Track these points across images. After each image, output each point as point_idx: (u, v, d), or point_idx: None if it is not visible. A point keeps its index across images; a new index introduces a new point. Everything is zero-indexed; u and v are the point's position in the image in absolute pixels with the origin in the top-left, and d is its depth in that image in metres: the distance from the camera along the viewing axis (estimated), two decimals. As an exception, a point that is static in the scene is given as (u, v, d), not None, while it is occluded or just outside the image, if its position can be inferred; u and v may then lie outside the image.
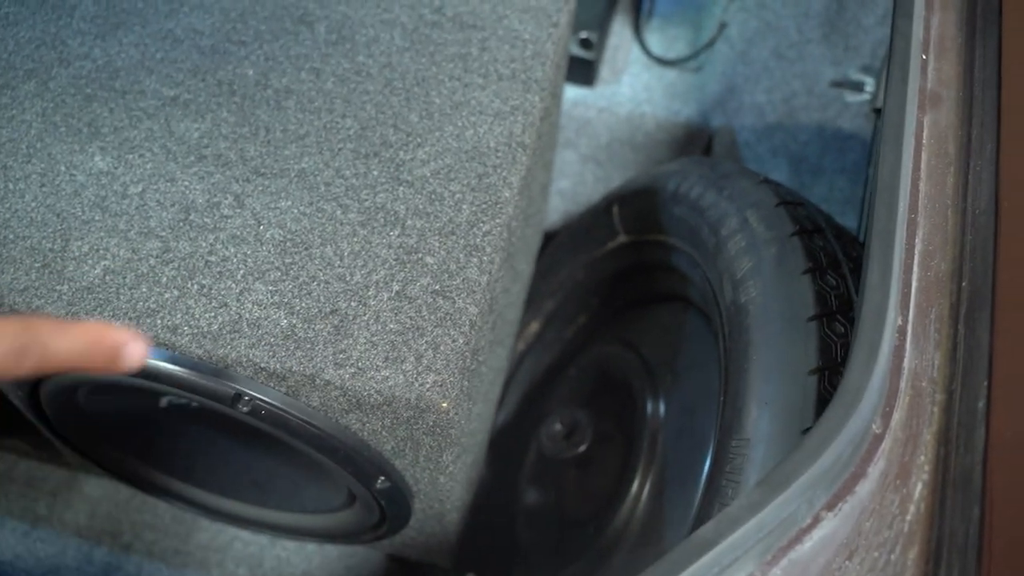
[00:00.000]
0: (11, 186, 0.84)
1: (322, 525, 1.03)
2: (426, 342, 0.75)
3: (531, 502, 1.15)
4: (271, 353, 0.74)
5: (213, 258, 0.79)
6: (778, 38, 1.25)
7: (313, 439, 0.79)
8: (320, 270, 0.79)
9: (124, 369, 0.45)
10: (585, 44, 1.36)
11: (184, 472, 1.05)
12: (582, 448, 1.06)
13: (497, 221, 0.82)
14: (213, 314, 0.76)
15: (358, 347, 0.74)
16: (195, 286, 0.78)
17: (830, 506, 0.60)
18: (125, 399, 0.89)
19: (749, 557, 0.57)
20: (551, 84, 0.95)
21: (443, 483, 0.85)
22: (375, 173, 0.84)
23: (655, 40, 1.48)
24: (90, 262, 0.79)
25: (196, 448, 1.02)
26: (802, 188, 1.22)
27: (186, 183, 0.84)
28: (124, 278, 0.78)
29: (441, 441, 0.78)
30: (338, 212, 0.82)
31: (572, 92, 1.42)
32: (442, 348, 0.74)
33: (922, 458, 0.63)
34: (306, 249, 0.80)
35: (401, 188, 0.83)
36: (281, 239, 0.80)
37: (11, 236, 0.81)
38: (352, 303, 0.77)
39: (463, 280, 0.78)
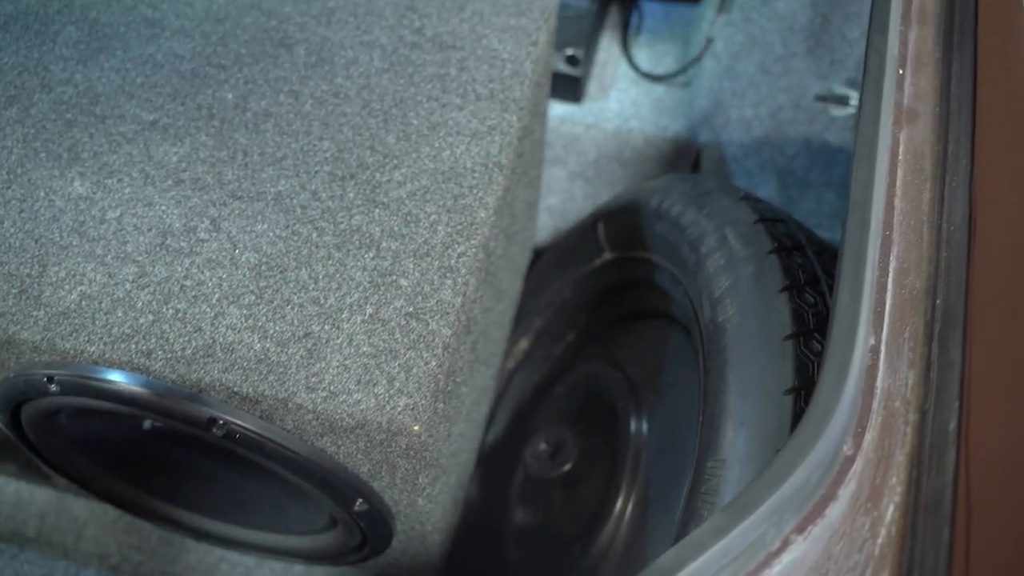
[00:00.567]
0: (-10, 212, 0.84)
1: (306, 546, 1.02)
2: (399, 365, 0.75)
3: (519, 521, 1.14)
4: (244, 377, 0.74)
5: (188, 282, 0.79)
6: (764, 53, 1.25)
7: (288, 462, 0.78)
8: (294, 293, 0.78)
9: None
10: (571, 61, 1.36)
11: (170, 494, 1.05)
12: (567, 467, 1.05)
13: (472, 242, 0.81)
14: (187, 339, 0.76)
15: (331, 370, 0.74)
16: (170, 311, 0.78)
17: (799, 529, 0.60)
18: (107, 422, 0.89)
19: (714, 583, 0.56)
20: (530, 103, 0.95)
21: (422, 505, 0.85)
22: (351, 195, 0.85)
23: (643, 56, 1.48)
24: (67, 287, 0.79)
25: (181, 470, 1.02)
26: (790, 202, 1.21)
27: (163, 207, 0.84)
28: (100, 303, 0.78)
29: (416, 463, 0.77)
30: (314, 235, 0.82)
31: (560, 109, 1.42)
32: (414, 371, 0.74)
33: (894, 480, 0.62)
34: (281, 272, 0.80)
35: (377, 210, 0.83)
36: (256, 262, 0.80)
37: (-12, 262, 0.81)
38: (326, 326, 0.77)
39: (437, 302, 0.78)
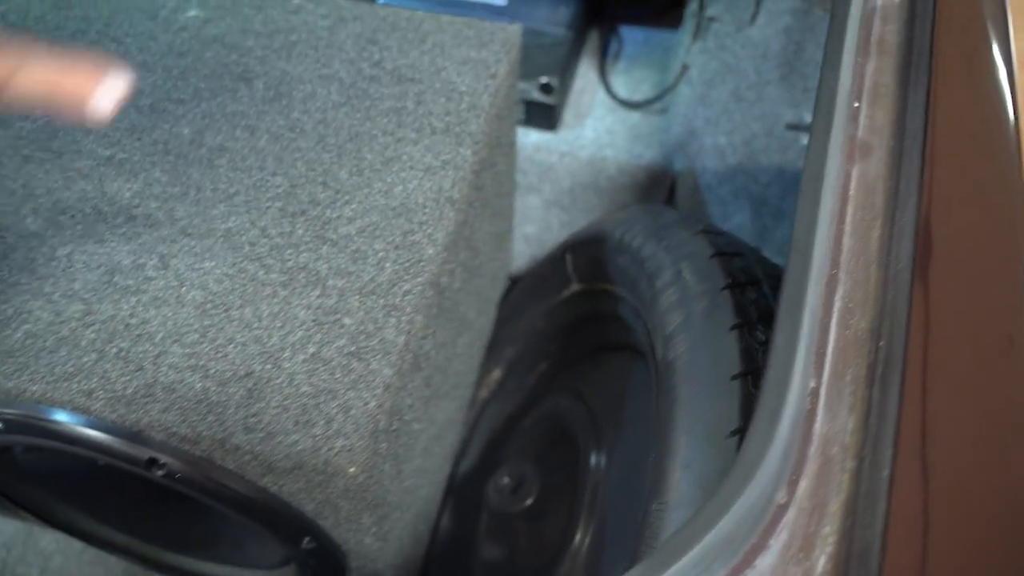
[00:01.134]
0: (-59, 249, 0.84)
1: (267, 582, 1.01)
2: (337, 405, 0.74)
3: (486, 554, 1.13)
4: (183, 417, 0.74)
5: (134, 320, 0.79)
6: (737, 80, 1.24)
7: (230, 501, 0.78)
8: (238, 332, 0.78)
9: (87, 120, 0.50)
10: (545, 89, 1.36)
11: (131, 526, 1.04)
12: (529, 502, 1.04)
13: (419, 280, 0.81)
14: (129, 378, 0.76)
15: (270, 411, 0.74)
16: (113, 349, 0.77)
17: (727, 580, 0.58)
18: (61, 457, 0.89)
19: (633, 640, 0.55)
20: (488, 136, 0.95)
21: (370, 544, 0.84)
22: (300, 232, 0.84)
23: (621, 82, 1.48)
24: (13, 326, 0.79)
25: (139, 503, 1.01)
26: (764, 231, 1.20)
27: (114, 244, 0.84)
28: (45, 341, 0.78)
29: (358, 504, 0.76)
30: (260, 272, 0.81)
31: (534, 136, 1.41)
32: (353, 412, 0.73)
33: (827, 529, 0.61)
34: (225, 311, 0.79)
35: (325, 247, 0.83)
36: (202, 300, 0.80)
37: (-64, 300, 0.81)
38: (267, 365, 0.76)
39: (379, 341, 0.77)
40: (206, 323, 0.79)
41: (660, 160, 1.36)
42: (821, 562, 0.60)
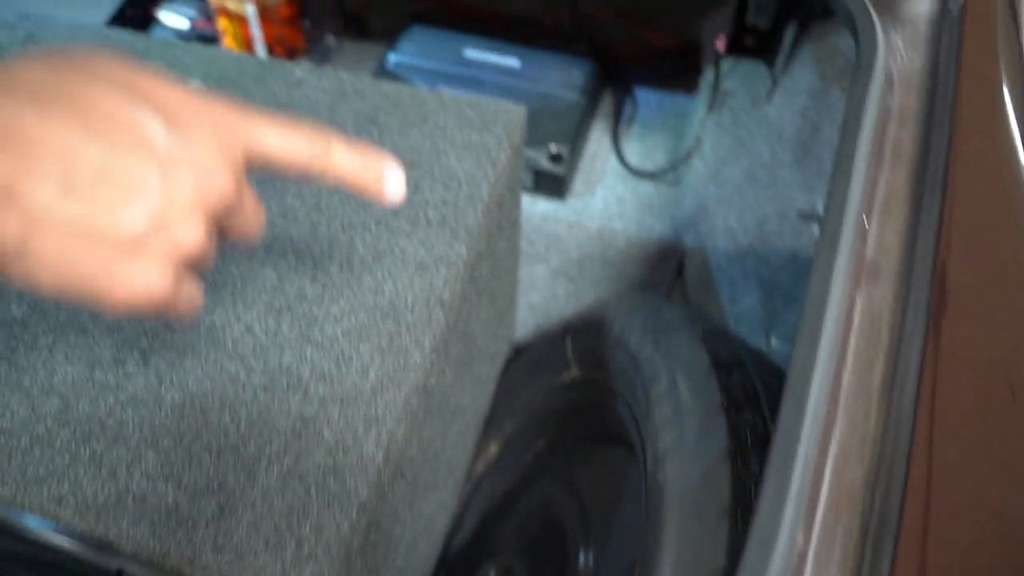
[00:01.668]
0: (-75, 332, 0.83)
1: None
2: (310, 526, 0.71)
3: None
4: (151, 531, 0.71)
5: (110, 421, 0.77)
6: (751, 159, 1.20)
7: (199, 617, 0.75)
8: (214, 439, 0.76)
9: (385, 201, 0.59)
10: (555, 159, 1.33)
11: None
12: (516, 601, 1.01)
13: (403, 390, 0.78)
14: (100, 484, 0.74)
15: (240, 529, 0.71)
16: (87, 452, 0.75)
17: None
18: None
19: None
20: (485, 229, 0.92)
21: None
22: (285, 330, 0.82)
23: (634, 148, 1.45)
24: (-12, 420, 0.78)
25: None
26: (774, 315, 1.16)
27: (96, 335, 0.82)
28: (19, 440, 0.76)
29: (329, 626, 0.74)
30: (241, 374, 0.79)
31: (543, 205, 1.38)
32: (325, 533, 0.71)
33: None
34: (204, 414, 0.77)
35: (310, 348, 0.81)
36: (180, 402, 0.78)
37: (-85, 388, 0.80)
38: (241, 477, 0.74)
39: (358, 457, 0.74)
40: (183, 427, 0.76)
41: (670, 235, 1.33)
42: None
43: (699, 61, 1.53)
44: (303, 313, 0.83)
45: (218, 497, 0.73)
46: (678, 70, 1.56)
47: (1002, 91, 0.87)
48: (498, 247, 1.01)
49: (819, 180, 1.13)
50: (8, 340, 0.82)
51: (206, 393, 0.78)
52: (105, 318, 0.83)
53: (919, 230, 0.78)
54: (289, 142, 0.53)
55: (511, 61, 1.48)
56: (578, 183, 1.41)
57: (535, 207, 1.40)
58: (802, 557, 0.61)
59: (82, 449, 0.76)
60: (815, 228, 1.06)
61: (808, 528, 0.62)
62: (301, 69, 1.05)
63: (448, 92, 1.46)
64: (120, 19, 1.58)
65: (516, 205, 1.08)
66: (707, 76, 1.40)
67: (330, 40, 1.64)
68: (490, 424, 1.23)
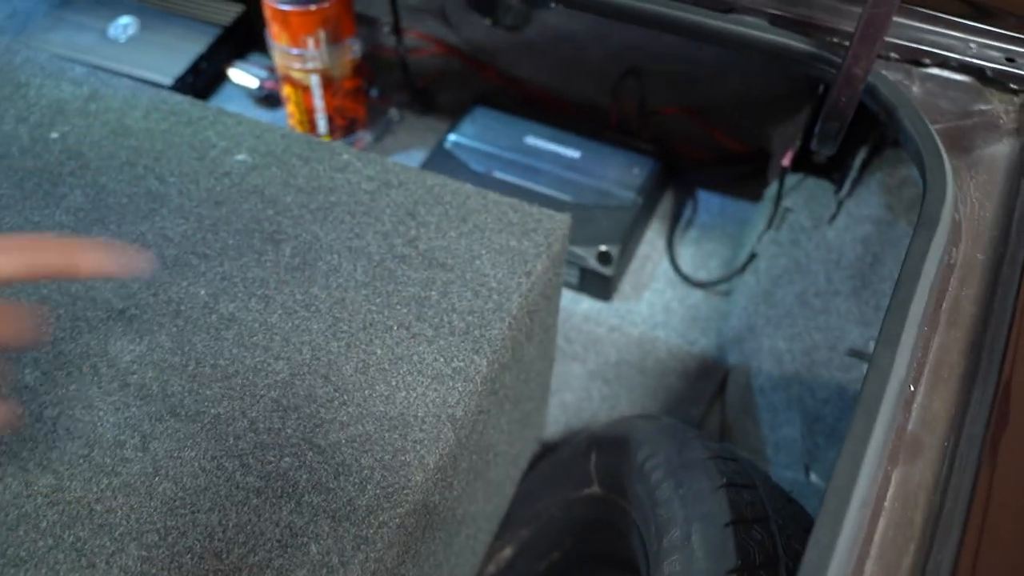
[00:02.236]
0: (-62, 388, 0.83)
1: None
2: (281, 653, 0.68)
3: None
4: (120, 635, 0.69)
5: (99, 507, 0.75)
6: (806, 282, 1.15)
7: None
8: (198, 541, 0.73)
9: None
10: (603, 258, 1.29)
11: None
12: None
13: (398, 511, 0.74)
14: (78, 574, 0.72)
15: (208, 646, 0.68)
16: (71, 537, 0.73)
17: None
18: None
19: None
20: (511, 341, 0.89)
21: None
22: (289, 431, 0.79)
23: (689, 252, 1.40)
24: (-19, 490, 0.76)
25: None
26: (815, 450, 1.10)
27: (101, 413, 0.81)
28: (7, 515, 0.75)
29: None
30: (238, 474, 0.77)
31: (586, 304, 1.34)
32: (296, 664, 0.67)
33: None
34: (192, 513, 0.74)
35: (311, 454, 0.78)
36: (172, 496, 0.75)
37: (-82, 446, 0.79)
38: (219, 589, 0.71)
39: (341, 581, 0.71)
40: (169, 524, 0.74)
41: (714, 351, 1.27)
42: None
43: (766, 169, 1.48)
44: (310, 415, 0.80)
45: (192, 606, 0.70)
46: (745, 176, 1.51)
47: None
48: (526, 355, 0.98)
49: (875, 315, 1.07)
50: (15, 408, 0.81)
51: (199, 490, 0.76)
52: (113, 396, 0.82)
53: (970, 404, 0.72)
54: None
55: (571, 152, 1.46)
56: (626, 285, 1.37)
57: (578, 305, 1.36)
58: None
59: (66, 534, 0.74)
60: (865, 367, 1.00)
61: None
62: (349, 153, 1.04)
63: (501, 177, 1.45)
64: (194, 73, 1.61)
65: (552, 312, 1.04)
66: (770, 190, 1.36)
67: (394, 113, 1.64)
68: (507, 526, 1.18)
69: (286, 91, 1.47)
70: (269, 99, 1.66)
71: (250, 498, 0.75)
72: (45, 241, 0.56)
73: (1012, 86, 0.99)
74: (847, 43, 0.99)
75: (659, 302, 1.35)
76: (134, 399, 0.82)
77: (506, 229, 0.96)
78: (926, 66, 1.00)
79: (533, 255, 0.93)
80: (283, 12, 1.32)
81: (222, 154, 1.04)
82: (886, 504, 0.66)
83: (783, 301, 1.18)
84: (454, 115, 1.58)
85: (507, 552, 1.20)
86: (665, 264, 1.39)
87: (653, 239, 1.44)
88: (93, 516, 0.75)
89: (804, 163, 1.21)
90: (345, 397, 0.81)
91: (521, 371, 0.98)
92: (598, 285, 1.32)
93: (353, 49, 1.42)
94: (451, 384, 0.82)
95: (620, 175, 1.41)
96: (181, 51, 1.62)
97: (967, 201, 0.89)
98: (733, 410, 1.22)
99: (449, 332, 0.86)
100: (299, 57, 1.38)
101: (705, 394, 1.25)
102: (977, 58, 1.00)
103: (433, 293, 0.89)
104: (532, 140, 1.49)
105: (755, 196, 1.47)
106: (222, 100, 1.70)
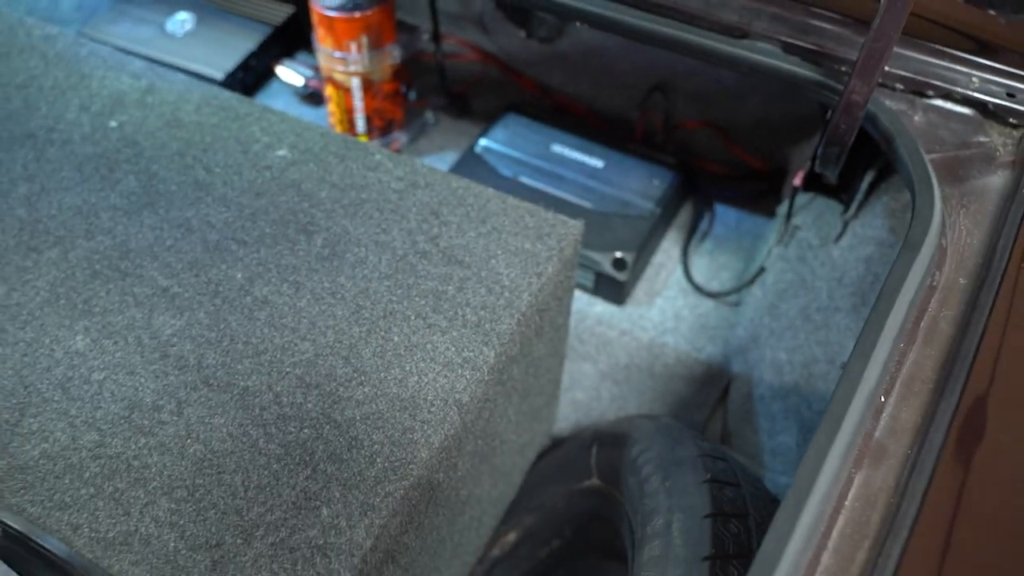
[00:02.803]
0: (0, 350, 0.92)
1: None
2: (291, 601, 0.75)
3: None
4: (148, 573, 0.77)
5: (136, 463, 0.83)
6: (809, 298, 1.20)
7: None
8: (223, 498, 0.81)
9: None
10: (618, 264, 1.36)
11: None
12: None
13: (403, 483, 0.82)
14: (114, 521, 0.80)
15: (227, 589, 0.76)
16: (110, 488, 0.82)
17: None
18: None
19: None
20: (520, 336, 0.95)
21: None
22: (310, 406, 0.87)
23: (703, 263, 1.46)
24: (33, 441, 0.85)
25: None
26: (808, 457, 1.15)
27: (142, 379, 0.89)
28: (55, 464, 0.83)
29: None
30: (261, 440, 0.84)
31: (600, 308, 1.41)
32: (302, 612, 0.75)
33: None
34: (218, 473, 0.82)
35: (328, 427, 0.85)
36: (201, 457, 0.83)
37: (-22, 399, 0.88)
38: (238, 540, 0.78)
39: (347, 540, 0.78)
40: (198, 481, 0.82)
41: (719, 358, 1.33)
42: None
43: (782, 188, 1.54)
44: (330, 392, 0.88)
45: (213, 554, 0.78)
46: (762, 193, 1.57)
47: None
48: (535, 351, 1.04)
49: (873, 331, 1.12)
50: (67, 370, 0.90)
51: (226, 453, 0.84)
52: (153, 365, 0.90)
53: (936, 416, 0.78)
54: None
55: (595, 161, 1.52)
56: (639, 291, 1.43)
57: (592, 308, 1.42)
58: None
59: (106, 484, 0.82)
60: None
61: None
62: (381, 153, 1.11)
63: (527, 183, 1.51)
64: (244, 69, 1.70)
65: (563, 312, 1.11)
66: (782, 207, 1.41)
67: (429, 116, 1.72)
68: (512, 512, 1.25)
69: (328, 91, 1.55)
70: (313, 97, 1.75)
71: (271, 464, 0.83)
72: None
73: (1012, 120, 1.03)
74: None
75: (670, 309, 1.41)
76: (172, 368, 0.90)
77: (522, 232, 1.03)
78: (929, 97, 1.05)
79: (545, 257, 1.00)
80: (329, 17, 1.41)
81: (265, 149, 1.12)
82: (847, 503, 0.72)
83: (787, 314, 1.23)
84: (487, 120, 1.66)
85: (511, 537, 1.27)
86: (679, 273, 1.45)
87: (669, 248, 1.50)
88: (131, 470, 0.83)
89: (814, 183, 1.26)
90: (362, 378, 0.89)
91: (530, 366, 1.05)
92: (612, 290, 1.38)
93: (393, 54, 1.50)
94: (460, 372, 0.90)
95: (641, 185, 1.47)
96: (233, 47, 1.72)
97: (956, 228, 0.94)
98: (734, 416, 1.27)
99: (462, 324, 0.93)
100: (342, 60, 1.46)
101: (709, 400, 1.31)
102: (979, 92, 1.04)
103: (450, 288, 0.97)
104: (559, 148, 1.56)
105: (770, 212, 1.52)
106: (268, 96, 1.79)
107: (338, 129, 1.61)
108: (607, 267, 1.36)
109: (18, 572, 0.97)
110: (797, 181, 1.24)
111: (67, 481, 0.82)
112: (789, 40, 1.07)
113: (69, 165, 1.10)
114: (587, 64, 1.59)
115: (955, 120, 1.04)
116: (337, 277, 0.97)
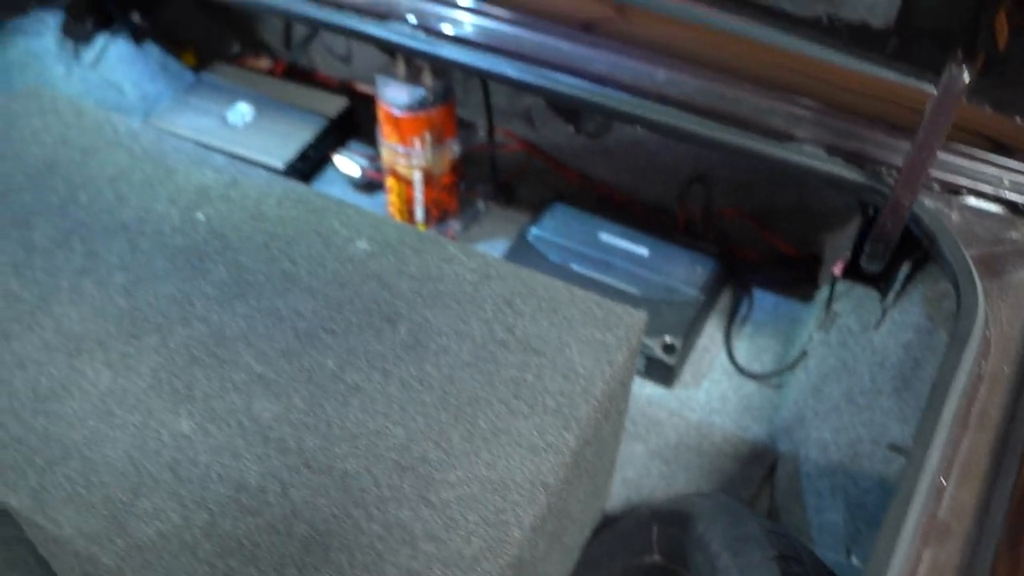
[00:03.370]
0: (110, 432, 0.98)
1: None
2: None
3: None
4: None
5: (247, 542, 0.89)
6: (852, 381, 1.27)
7: None
8: (331, 576, 0.87)
9: None
10: (668, 349, 1.43)
11: None
12: None
13: (500, 561, 0.87)
14: (228, 598, 0.85)
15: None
16: (224, 566, 0.87)
17: None
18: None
19: None
20: (594, 421, 1.02)
21: None
22: (407, 487, 0.93)
23: (744, 346, 1.54)
24: (148, 520, 0.91)
25: None
26: (856, 534, 1.21)
27: (247, 462, 0.95)
28: (170, 543, 0.89)
29: None
30: (363, 521, 0.90)
31: (649, 389, 1.48)
32: None
33: None
34: (325, 552, 0.88)
35: (425, 508, 0.91)
36: (307, 537, 0.89)
37: (95, 481, 0.94)
38: (347, 619, 0.84)
39: (451, 618, 0.84)
40: (306, 559, 0.88)
41: (765, 438, 1.40)
42: None
43: (817, 274, 1.62)
44: (424, 475, 0.94)
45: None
46: (797, 278, 1.66)
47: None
48: (603, 433, 1.11)
49: (915, 414, 1.19)
50: (175, 452, 0.96)
51: (331, 533, 0.90)
52: (256, 448, 0.96)
53: (994, 495, 0.84)
54: None
55: (640, 249, 1.61)
56: (686, 373, 1.51)
57: (642, 390, 1.49)
58: None
59: (220, 563, 0.88)
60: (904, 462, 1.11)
61: None
62: (454, 247, 1.19)
63: (577, 270, 1.59)
64: (303, 158, 1.80)
65: (625, 396, 1.18)
66: (821, 293, 1.49)
67: (480, 205, 1.81)
68: (569, 588, 1.29)
69: (389, 183, 1.65)
70: (368, 186, 1.85)
71: (374, 543, 0.89)
72: None
73: (1041, 218, 1.12)
74: (894, 173, 1.13)
75: (716, 391, 1.48)
76: (275, 452, 0.96)
77: (591, 322, 1.10)
78: (963, 196, 1.14)
79: (615, 347, 1.07)
80: (396, 116, 1.51)
81: (344, 241, 1.20)
82: (918, 581, 0.78)
83: (831, 396, 1.30)
84: (532, 208, 1.75)
85: (569, 612, 1.31)
86: (722, 355, 1.53)
87: (711, 332, 1.57)
88: (242, 549, 0.88)
89: (853, 273, 1.34)
90: (454, 461, 0.95)
91: (599, 447, 1.11)
92: (662, 373, 1.46)
93: (453, 149, 1.60)
94: (544, 456, 0.96)
95: (685, 273, 1.56)
96: (292, 138, 1.82)
97: (997, 320, 1.02)
98: (781, 493, 1.33)
99: (543, 410, 1.00)
100: (405, 155, 1.56)
101: (756, 477, 1.37)
102: (1010, 191, 1.13)
103: (529, 375, 1.04)
104: (605, 236, 1.65)
105: (805, 297, 1.61)
106: (324, 183, 1.89)
107: (397, 218, 1.70)
108: (657, 351, 1.44)
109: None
110: (837, 271, 1.32)
111: (183, 560, 0.88)
112: (832, 143, 1.16)
113: (161, 256, 1.18)
114: (628, 156, 1.69)
115: (988, 218, 1.13)
116: (423, 365, 1.04)
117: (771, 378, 1.48)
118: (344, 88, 2.02)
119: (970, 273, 1.01)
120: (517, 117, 1.79)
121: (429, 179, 1.61)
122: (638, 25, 1.20)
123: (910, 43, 1.07)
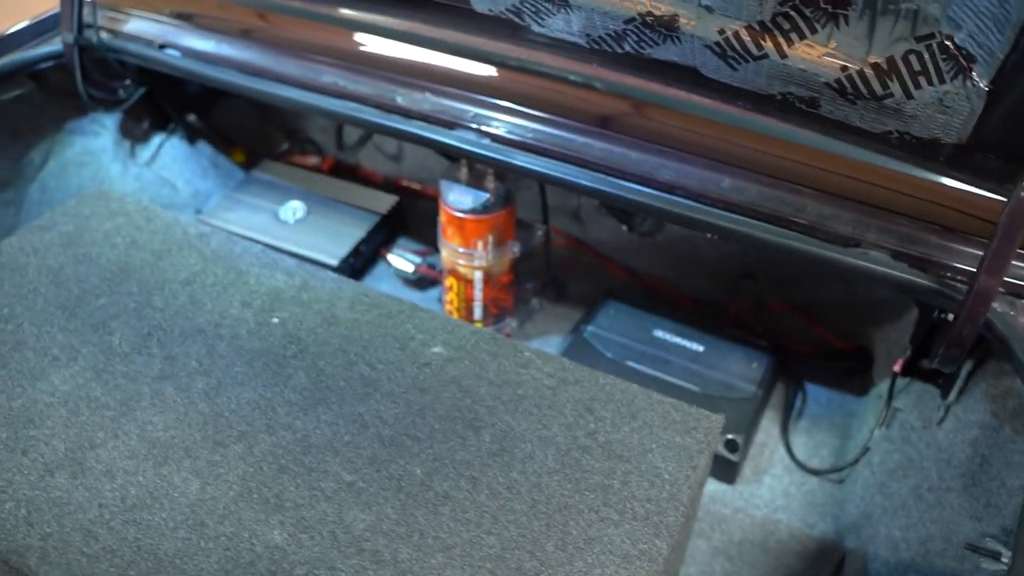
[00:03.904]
0: (202, 544, 0.98)
1: None
2: None
3: None
4: None
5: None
6: (919, 478, 1.28)
7: None
8: None
9: None
10: (730, 446, 1.45)
11: None
12: None
13: (604, 676, 0.88)
14: None
15: None
16: None
17: None
18: None
19: None
20: (682, 527, 1.03)
21: None
22: (505, 600, 0.93)
23: (801, 441, 1.55)
24: (246, 637, 0.91)
25: None
26: (931, 636, 1.20)
27: (343, 574, 0.96)
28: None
29: None
30: (464, 637, 0.91)
31: (712, 486, 1.49)
32: None
33: None
34: (430, 669, 0.88)
35: (525, 620, 0.92)
36: (411, 653, 0.89)
37: (191, 595, 0.94)
38: None
39: None
40: (410, 677, 0.88)
41: (831, 534, 1.40)
42: None
43: (868, 366, 1.65)
44: (521, 585, 0.95)
45: None
46: (849, 371, 1.68)
47: None
48: (683, 534, 1.12)
49: (986, 511, 1.20)
50: (269, 564, 0.96)
51: (433, 649, 0.90)
52: (351, 560, 0.97)
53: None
54: None
55: (695, 346, 1.64)
56: (747, 469, 1.52)
57: (706, 486, 1.50)
58: None
59: None
60: (983, 563, 1.12)
61: None
62: (529, 351, 1.22)
63: (635, 367, 1.61)
64: (355, 254, 1.83)
65: (699, 497, 1.19)
66: (879, 389, 1.51)
67: (535, 303, 1.84)
68: None
69: (449, 281, 1.68)
70: (419, 282, 1.88)
71: (478, 657, 0.89)
72: None
73: (1101, 320, 1.15)
74: (960, 277, 1.16)
75: (778, 487, 1.48)
76: (370, 563, 0.97)
77: (671, 427, 1.11)
78: (1027, 298, 1.17)
79: (696, 451, 1.09)
80: (459, 218, 1.55)
81: (420, 346, 1.22)
82: None
83: (898, 493, 1.31)
84: (580, 302, 1.78)
85: None
86: (781, 451, 1.54)
87: (768, 427, 1.59)
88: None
89: (913, 370, 1.36)
90: (550, 572, 0.96)
91: (679, 548, 1.12)
92: (725, 469, 1.47)
93: (513, 250, 1.63)
94: (638, 564, 0.97)
95: (741, 369, 1.58)
96: (344, 235, 1.85)
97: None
98: (851, 594, 1.33)
99: (632, 517, 1.01)
100: (467, 256, 1.59)
101: (823, 575, 1.37)
102: (1071, 296, 1.16)
103: (615, 482, 1.05)
104: (660, 333, 1.67)
105: (858, 390, 1.62)
106: (375, 279, 1.92)
107: (454, 315, 1.73)
108: (720, 448, 1.45)
109: None
110: (897, 368, 1.34)
111: None
112: (898, 248, 1.19)
113: (240, 360, 1.20)
114: (677, 252, 1.73)
115: (1053, 322, 1.16)
116: (509, 472, 1.05)
117: (833, 473, 1.48)
118: (391, 184, 2.07)
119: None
120: (564, 214, 1.83)
121: (488, 279, 1.64)
122: (707, 136, 1.25)
123: (975, 155, 1.12)
